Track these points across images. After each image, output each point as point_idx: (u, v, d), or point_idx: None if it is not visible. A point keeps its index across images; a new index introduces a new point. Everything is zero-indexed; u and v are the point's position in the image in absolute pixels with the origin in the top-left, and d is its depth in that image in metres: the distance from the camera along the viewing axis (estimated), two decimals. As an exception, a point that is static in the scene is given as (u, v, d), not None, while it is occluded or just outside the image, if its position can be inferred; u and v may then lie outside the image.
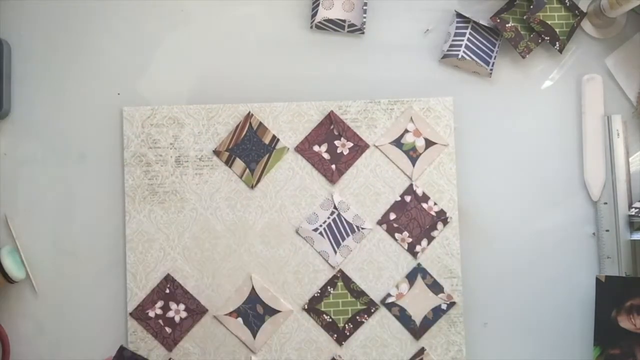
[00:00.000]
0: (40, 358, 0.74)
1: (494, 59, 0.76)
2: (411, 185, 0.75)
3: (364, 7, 0.75)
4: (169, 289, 0.74)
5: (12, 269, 0.72)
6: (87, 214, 0.75)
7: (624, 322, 0.73)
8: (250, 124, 0.75)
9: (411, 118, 0.75)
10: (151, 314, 0.73)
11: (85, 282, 0.74)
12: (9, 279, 0.72)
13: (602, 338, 0.74)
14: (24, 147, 0.76)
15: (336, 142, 0.75)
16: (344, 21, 0.75)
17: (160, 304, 0.74)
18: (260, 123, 0.75)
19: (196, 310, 0.73)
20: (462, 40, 0.76)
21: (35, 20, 0.77)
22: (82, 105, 0.76)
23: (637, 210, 0.74)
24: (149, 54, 0.77)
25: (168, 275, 0.74)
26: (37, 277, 0.74)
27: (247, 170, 0.74)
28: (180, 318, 0.74)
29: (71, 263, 0.75)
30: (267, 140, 0.75)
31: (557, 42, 0.76)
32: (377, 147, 0.75)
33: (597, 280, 0.74)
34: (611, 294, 0.73)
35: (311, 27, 0.77)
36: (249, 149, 0.75)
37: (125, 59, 0.77)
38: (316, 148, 0.75)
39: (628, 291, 0.73)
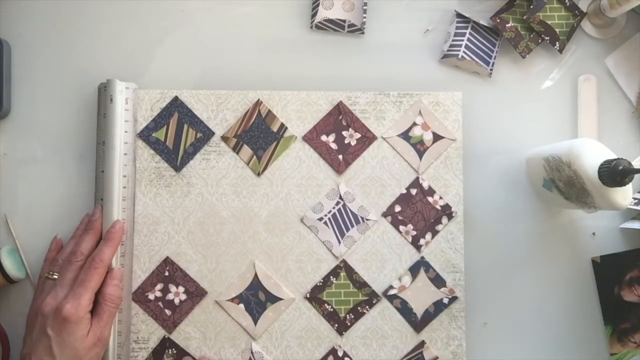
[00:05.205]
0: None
1: (494, 59, 0.77)
2: (417, 178, 0.75)
3: (364, 7, 0.76)
4: (168, 271, 0.73)
5: (12, 269, 0.71)
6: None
7: (628, 296, 0.75)
8: (259, 111, 0.75)
9: (420, 111, 0.76)
10: (151, 296, 0.73)
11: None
12: (9, 279, 0.71)
13: (611, 315, 0.75)
14: (24, 147, 0.75)
15: (344, 133, 0.75)
16: (344, 21, 0.76)
17: (159, 286, 0.73)
18: (269, 111, 0.75)
19: (195, 293, 0.73)
20: (462, 40, 0.77)
21: (35, 20, 0.77)
22: (82, 105, 0.76)
23: (636, 200, 0.75)
24: (149, 55, 0.77)
25: (167, 258, 0.73)
26: (37, 277, 0.73)
27: (254, 157, 0.75)
28: (180, 300, 0.73)
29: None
30: (275, 128, 0.75)
31: (557, 42, 0.77)
32: (384, 139, 0.76)
33: (593, 262, 0.76)
34: (610, 272, 0.75)
35: (311, 27, 0.78)
36: (257, 136, 0.75)
37: (126, 59, 0.77)
38: (324, 138, 0.75)
39: (624, 266, 0.75)
